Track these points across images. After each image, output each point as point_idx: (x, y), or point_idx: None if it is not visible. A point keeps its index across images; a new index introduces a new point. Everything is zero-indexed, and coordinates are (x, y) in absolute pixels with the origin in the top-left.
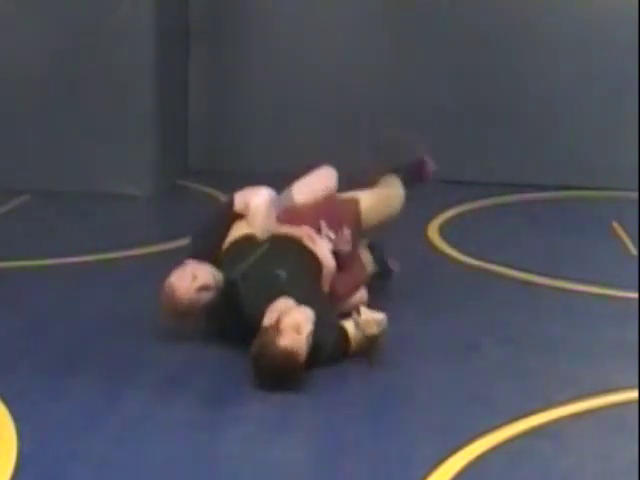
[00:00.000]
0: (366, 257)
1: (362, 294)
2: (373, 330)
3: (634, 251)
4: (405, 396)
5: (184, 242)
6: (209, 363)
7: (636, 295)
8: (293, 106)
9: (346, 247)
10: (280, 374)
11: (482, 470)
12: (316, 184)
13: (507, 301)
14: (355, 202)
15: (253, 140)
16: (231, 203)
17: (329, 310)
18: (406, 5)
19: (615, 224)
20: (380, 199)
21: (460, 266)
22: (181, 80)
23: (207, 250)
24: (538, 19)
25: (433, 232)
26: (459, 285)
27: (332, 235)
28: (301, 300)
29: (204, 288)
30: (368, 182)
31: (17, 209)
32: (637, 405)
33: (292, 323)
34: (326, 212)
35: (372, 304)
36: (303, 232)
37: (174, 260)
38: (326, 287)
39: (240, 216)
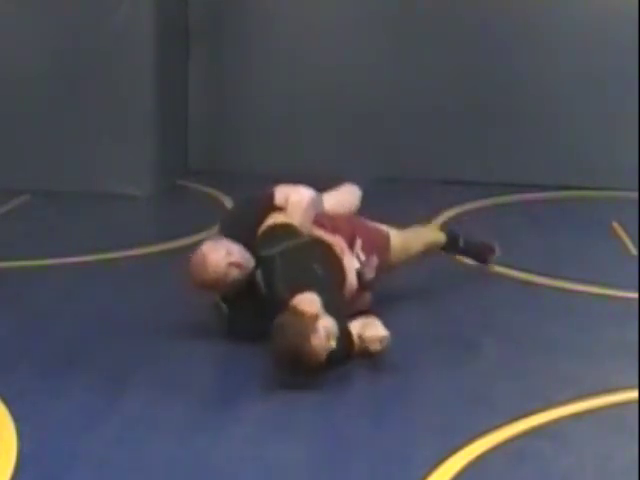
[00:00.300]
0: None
1: (367, 298)
2: (376, 347)
3: (634, 251)
4: (405, 396)
5: (184, 242)
6: (209, 363)
7: (636, 295)
8: (293, 106)
9: (369, 274)
10: (294, 363)
11: (482, 470)
12: (342, 199)
13: (507, 301)
14: (387, 237)
15: (253, 140)
16: (272, 195)
17: (343, 320)
18: (406, 5)
19: (615, 224)
20: (408, 241)
21: (460, 266)
22: (181, 80)
23: (237, 235)
24: (538, 19)
25: None
26: (459, 285)
27: (362, 257)
28: (326, 302)
29: (235, 265)
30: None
31: (17, 209)
32: (637, 405)
33: (328, 330)
34: (362, 233)
35: (373, 304)
36: (336, 241)
37: (174, 260)
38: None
39: (277, 209)
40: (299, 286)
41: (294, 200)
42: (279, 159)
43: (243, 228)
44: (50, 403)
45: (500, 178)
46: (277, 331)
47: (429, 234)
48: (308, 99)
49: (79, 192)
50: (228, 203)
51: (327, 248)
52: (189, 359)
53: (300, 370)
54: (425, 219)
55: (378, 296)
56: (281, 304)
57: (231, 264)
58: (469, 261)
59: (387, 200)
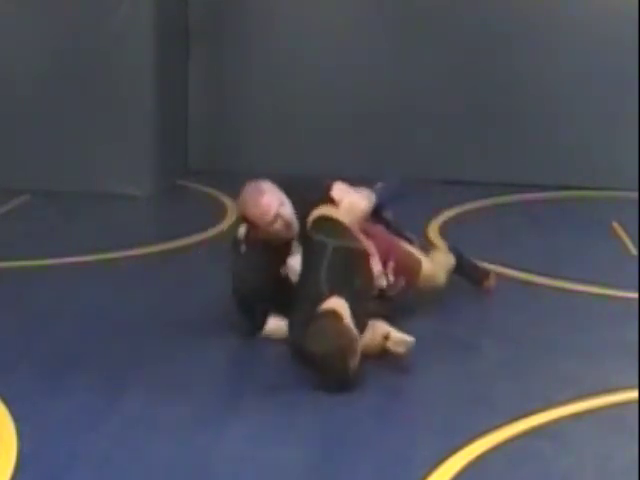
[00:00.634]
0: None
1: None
2: (401, 349)
3: (634, 251)
4: (405, 396)
5: (184, 242)
6: (209, 363)
7: (636, 295)
8: (293, 106)
9: (391, 292)
10: (341, 363)
11: (482, 470)
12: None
13: (507, 301)
14: (419, 263)
15: (253, 140)
16: (329, 187)
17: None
18: (406, 5)
19: (615, 224)
20: (437, 270)
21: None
22: (181, 80)
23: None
24: (538, 19)
25: (433, 232)
26: (459, 285)
27: (392, 278)
28: (352, 314)
29: (283, 220)
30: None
31: (17, 209)
32: (637, 405)
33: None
34: (396, 255)
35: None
36: (372, 252)
37: (174, 260)
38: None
39: (331, 202)
40: (337, 289)
41: (352, 201)
42: (279, 159)
43: (293, 203)
44: (50, 403)
45: (500, 178)
46: (319, 335)
47: (447, 261)
48: (308, 99)
49: (79, 192)
50: (228, 203)
51: (368, 261)
52: (189, 359)
53: (346, 371)
54: (425, 219)
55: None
56: (314, 293)
57: (280, 216)
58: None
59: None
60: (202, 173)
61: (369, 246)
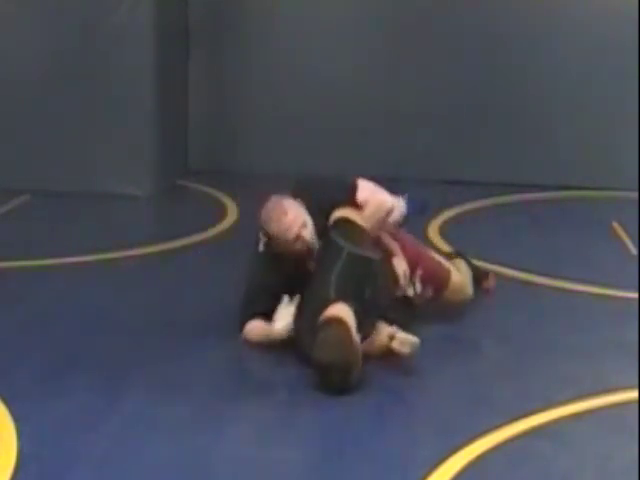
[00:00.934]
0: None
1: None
2: (406, 350)
3: (634, 251)
4: (405, 396)
5: (184, 242)
6: (209, 363)
7: (636, 295)
8: (293, 106)
9: (419, 302)
10: (345, 373)
11: (482, 470)
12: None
13: (507, 301)
14: (448, 273)
15: (253, 140)
16: (354, 188)
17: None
18: (406, 6)
19: (615, 224)
20: (466, 282)
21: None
22: (181, 80)
23: (308, 205)
24: (538, 19)
25: (433, 232)
26: None
27: (419, 287)
28: (357, 324)
29: (303, 242)
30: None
31: (17, 209)
32: (637, 405)
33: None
34: (425, 263)
35: None
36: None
37: (174, 260)
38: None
39: (355, 204)
40: (345, 295)
41: (378, 203)
42: (279, 159)
43: (317, 202)
44: (50, 403)
45: (500, 178)
46: (326, 345)
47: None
48: (308, 99)
49: (79, 192)
50: (228, 203)
51: (384, 269)
52: (189, 359)
53: (348, 382)
54: (425, 219)
55: None
56: (321, 295)
57: (301, 237)
58: None
59: None
60: (202, 173)
61: (394, 247)
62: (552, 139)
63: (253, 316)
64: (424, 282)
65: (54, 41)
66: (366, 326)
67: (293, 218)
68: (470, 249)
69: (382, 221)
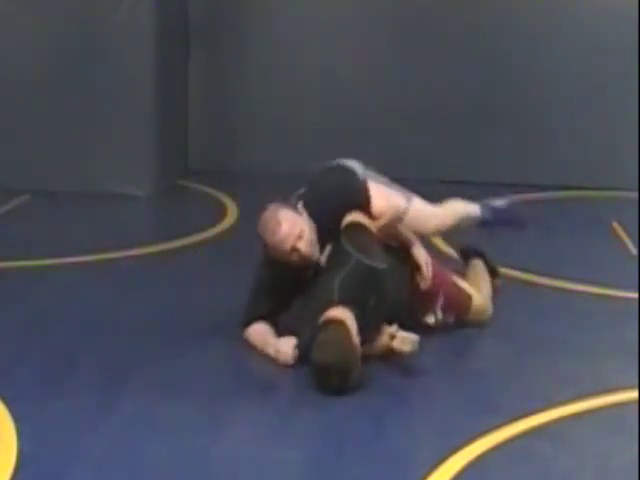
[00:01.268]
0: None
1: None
2: (407, 348)
3: (634, 251)
4: (405, 396)
5: (184, 242)
6: (209, 363)
7: (636, 295)
8: (293, 106)
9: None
10: (345, 374)
11: (482, 470)
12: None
13: (507, 301)
14: (469, 299)
15: (253, 140)
16: (368, 197)
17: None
18: (406, 5)
19: (615, 224)
20: (485, 305)
21: (460, 266)
22: (181, 80)
23: (317, 207)
24: (538, 19)
25: None
26: None
27: (440, 314)
28: (359, 329)
29: (299, 253)
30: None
31: (17, 209)
32: (637, 405)
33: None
34: (447, 291)
35: None
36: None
37: (174, 260)
38: None
39: (368, 213)
40: (347, 301)
41: (392, 214)
42: (279, 159)
43: (326, 209)
44: (50, 403)
45: (500, 178)
46: (326, 346)
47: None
48: (308, 99)
49: (79, 192)
50: (228, 203)
51: (407, 260)
52: (189, 359)
53: (346, 384)
54: None
55: None
56: (324, 298)
57: (296, 250)
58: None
59: None
60: (202, 173)
61: (411, 236)
62: (552, 139)
63: (255, 319)
64: (445, 310)
65: (54, 41)
66: (368, 332)
67: (288, 230)
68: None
69: (396, 225)
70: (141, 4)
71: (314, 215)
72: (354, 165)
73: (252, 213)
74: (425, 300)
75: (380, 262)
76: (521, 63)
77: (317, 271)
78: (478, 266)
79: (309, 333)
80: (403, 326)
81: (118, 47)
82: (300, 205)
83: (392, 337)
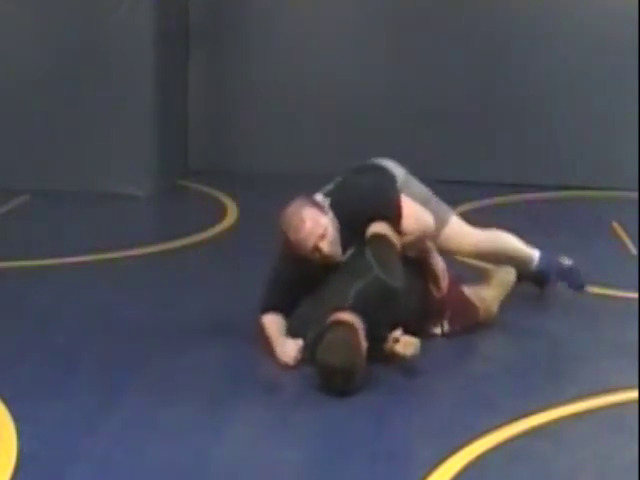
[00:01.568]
0: None
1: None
2: (409, 351)
3: (634, 251)
4: (405, 396)
5: (184, 242)
6: (209, 363)
7: (636, 295)
8: (293, 106)
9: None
10: (349, 375)
11: (482, 470)
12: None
13: (507, 301)
14: (477, 310)
15: (253, 140)
16: (399, 211)
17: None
18: (406, 5)
19: (615, 224)
20: (491, 310)
21: (460, 266)
22: (181, 80)
23: (345, 210)
24: (538, 19)
25: None
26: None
27: (447, 327)
28: (369, 336)
29: (321, 253)
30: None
31: (17, 209)
32: (637, 405)
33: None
34: (455, 306)
35: None
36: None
37: (174, 260)
38: None
39: (397, 227)
40: (358, 311)
41: (419, 234)
42: (279, 159)
43: (358, 208)
44: (50, 403)
45: (500, 178)
46: (333, 348)
47: (508, 278)
48: (308, 99)
49: (79, 192)
50: (228, 203)
51: (425, 270)
52: (189, 359)
53: (349, 386)
54: None
55: None
56: (336, 302)
57: (318, 249)
58: None
59: None
60: (202, 173)
61: (429, 245)
62: (552, 139)
63: (269, 309)
64: (452, 322)
65: (54, 41)
66: (373, 341)
67: (311, 228)
68: None
69: (421, 243)
70: (141, 4)
71: (341, 215)
72: (395, 169)
73: (252, 213)
74: (434, 311)
75: (399, 281)
76: (521, 63)
77: (332, 269)
78: (506, 271)
79: (315, 332)
80: (407, 331)
81: (118, 47)
82: (327, 203)
83: (395, 341)
